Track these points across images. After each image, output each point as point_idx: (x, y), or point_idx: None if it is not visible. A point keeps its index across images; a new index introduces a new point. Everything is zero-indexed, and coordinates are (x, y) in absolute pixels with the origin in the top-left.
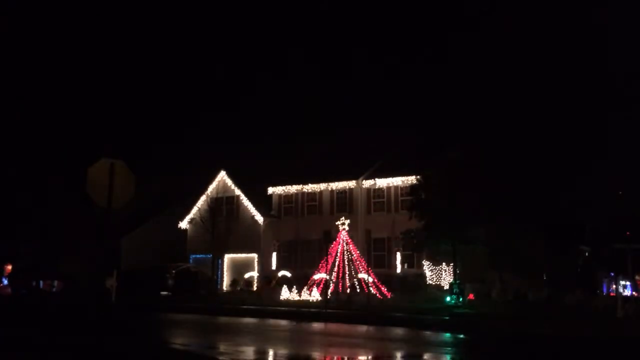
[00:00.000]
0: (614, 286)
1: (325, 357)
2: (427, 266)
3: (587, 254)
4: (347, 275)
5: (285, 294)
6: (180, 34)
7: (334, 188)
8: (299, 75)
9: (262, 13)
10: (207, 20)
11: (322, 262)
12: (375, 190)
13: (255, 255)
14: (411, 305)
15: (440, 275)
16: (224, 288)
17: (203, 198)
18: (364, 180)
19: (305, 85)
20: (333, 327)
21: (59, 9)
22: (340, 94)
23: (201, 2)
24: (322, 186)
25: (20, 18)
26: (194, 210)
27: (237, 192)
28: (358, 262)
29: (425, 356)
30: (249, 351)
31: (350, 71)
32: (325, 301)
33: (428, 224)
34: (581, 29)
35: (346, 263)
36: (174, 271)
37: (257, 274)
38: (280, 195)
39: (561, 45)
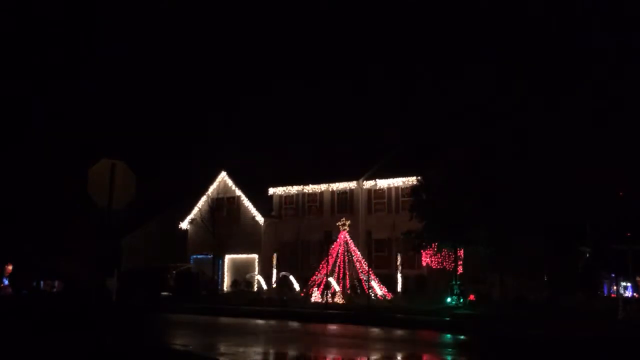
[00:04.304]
0: (615, 287)
1: (325, 358)
2: (427, 267)
3: (587, 255)
4: (347, 276)
5: (286, 294)
6: (182, 35)
7: (334, 189)
8: (298, 75)
9: (261, 13)
10: (209, 21)
11: (322, 262)
12: (376, 190)
13: (255, 256)
14: (412, 306)
15: (441, 276)
16: (225, 289)
17: (204, 198)
18: (364, 181)
19: (304, 86)
20: (334, 327)
21: (60, 9)
22: (341, 94)
23: (206, 4)
24: (323, 187)
25: (21, 17)
26: (195, 210)
27: (238, 192)
28: (359, 263)
29: (426, 357)
30: (250, 352)
31: (350, 71)
32: (325, 302)
33: (429, 225)
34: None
35: (347, 264)
36: (174, 271)
37: (258, 275)
38: (281, 196)
39: (568, 39)
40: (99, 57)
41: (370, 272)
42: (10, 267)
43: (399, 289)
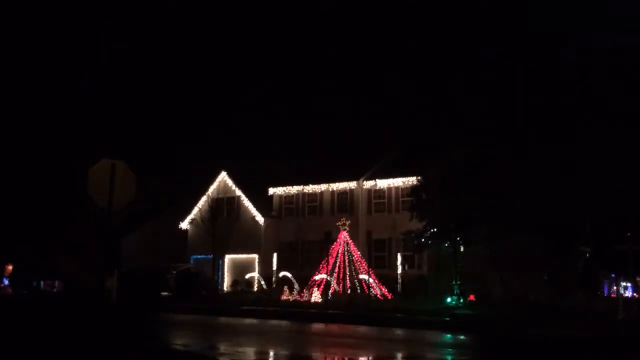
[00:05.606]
0: (615, 287)
1: (325, 358)
2: (427, 267)
3: (587, 254)
4: (347, 276)
5: (286, 294)
6: (181, 34)
7: (334, 189)
8: (298, 75)
9: (261, 12)
10: (209, 20)
11: (322, 262)
12: (376, 190)
13: (255, 256)
14: (412, 306)
15: (440, 276)
16: (225, 289)
17: (204, 198)
18: (364, 181)
19: (304, 86)
20: (334, 327)
21: (59, 9)
22: (341, 93)
23: (205, 4)
24: (323, 187)
25: (19, 17)
26: (195, 210)
27: (238, 192)
28: (359, 263)
29: (426, 357)
30: (250, 352)
31: (350, 71)
32: (325, 302)
33: (429, 225)
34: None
35: (347, 264)
36: (174, 272)
37: (258, 275)
38: (281, 196)
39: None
40: (99, 57)
41: (371, 272)
42: (10, 267)
43: (399, 289)
